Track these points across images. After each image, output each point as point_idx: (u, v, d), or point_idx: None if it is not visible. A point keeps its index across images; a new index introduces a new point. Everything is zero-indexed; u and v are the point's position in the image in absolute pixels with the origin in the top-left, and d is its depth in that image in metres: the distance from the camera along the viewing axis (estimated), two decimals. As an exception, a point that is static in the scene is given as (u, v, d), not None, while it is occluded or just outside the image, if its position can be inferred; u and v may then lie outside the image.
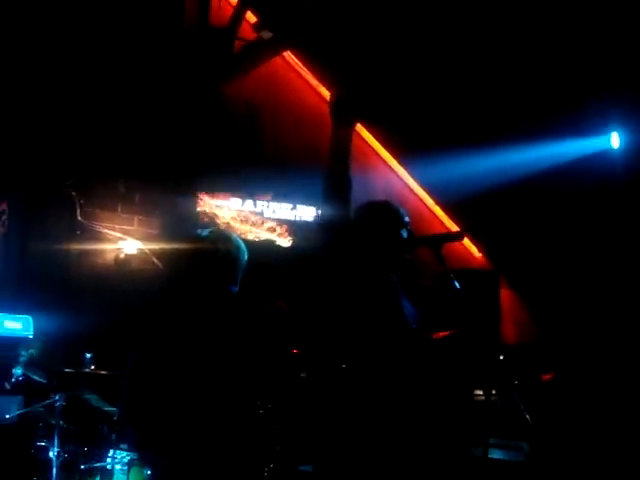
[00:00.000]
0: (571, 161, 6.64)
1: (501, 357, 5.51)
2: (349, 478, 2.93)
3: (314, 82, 7.81)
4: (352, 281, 3.10)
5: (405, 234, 3.15)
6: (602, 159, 6.65)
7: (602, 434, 4.78)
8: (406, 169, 8.27)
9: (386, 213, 3.21)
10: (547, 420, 4.63)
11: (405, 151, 8.05)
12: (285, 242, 7.26)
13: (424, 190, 8.34)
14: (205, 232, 3.25)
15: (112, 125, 6.32)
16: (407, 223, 3.20)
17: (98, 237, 6.25)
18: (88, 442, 4.41)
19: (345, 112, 3.14)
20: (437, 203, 8.36)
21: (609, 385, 5.57)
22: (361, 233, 3.16)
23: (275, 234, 7.24)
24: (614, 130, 6.71)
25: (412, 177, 8.29)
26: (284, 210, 7.32)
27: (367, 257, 3.13)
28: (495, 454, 4.10)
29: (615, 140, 6.74)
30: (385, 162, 8.26)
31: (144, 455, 3.38)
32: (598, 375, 5.74)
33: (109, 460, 4.21)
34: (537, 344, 7.26)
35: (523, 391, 4.54)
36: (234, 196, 7.04)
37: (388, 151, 8.21)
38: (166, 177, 6.53)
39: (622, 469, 4.47)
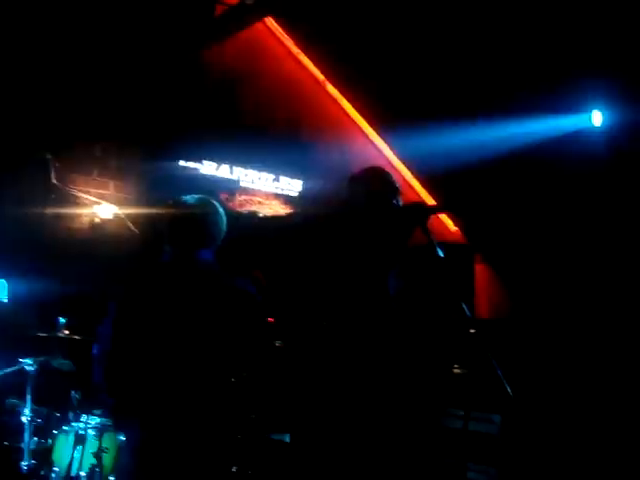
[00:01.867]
0: (552, 138, 6.65)
1: (472, 330, 5.54)
2: (326, 446, 2.95)
3: (295, 50, 7.73)
4: (343, 249, 3.10)
5: (398, 202, 3.15)
6: (583, 137, 6.67)
7: (572, 407, 4.85)
8: (384, 140, 8.24)
9: (380, 179, 3.20)
10: (519, 394, 4.68)
11: (384, 122, 8.02)
12: (266, 212, 7.23)
13: (402, 162, 8.32)
14: (185, 197, 3.22)
15: (89, 88, 6.19)
16: (398, 190, 3.19)
17: (73, 201, 6.15)
18: (60, 407, 4.37)
19: None
20: (415, 176, 8.36)
21: (579, 360, 5.64)
22: (355, 199, 3.16)
23: (253, 204, 7.20)
24: (595, 108, 6.74)
25: (390, 148, 8.27)
26: (264, 181, 7.26)
27: (359, 224, 3.12)
28: (472, 427, 4.13)
29: (596, 118, 6.76)
30: (363, 132, 8.22)
31: (120, 421, 3.36)
32: (568, 351, 5.81)
33: (82, 425, 4.17)
34: (511, 320, 7.33)
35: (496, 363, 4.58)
36: (208, 160, 6.98)
37: (367, 121, 8.17)
38: (143, 142, 6.45)
39: (590, 440, 4.54)
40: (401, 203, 3.15)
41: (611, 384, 5.28)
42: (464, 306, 2.83)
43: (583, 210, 6.68)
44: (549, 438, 4.51)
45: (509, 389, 2.69)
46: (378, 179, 3.21)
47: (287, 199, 7.37)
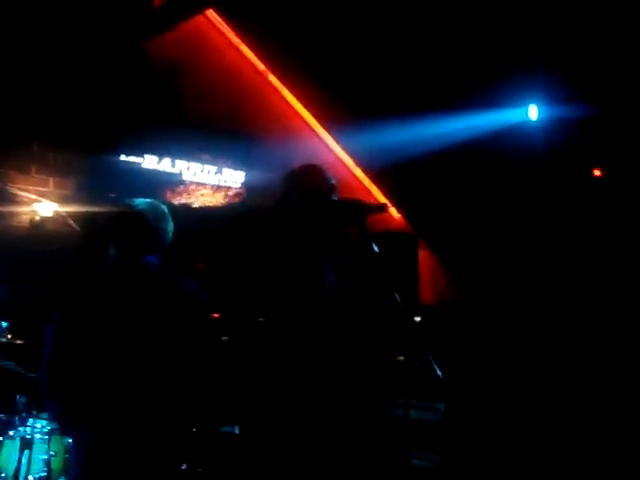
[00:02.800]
0: (492, 132, 6.79)
1: (418, 318, 5.65)
2: (274, 438, 2.99)
3: (236, 40, 7.70)
4: (278, 245, 3.12)
5: (334, 198, 3.17)
6: (520, 130, 6.83)
7: (514, 394, 4.98)
8: (327, 131, 8.27)
9: (315, 176, 3.23)
10: (462, 381, 4.79)
11: (326, 114, 8.05)
12: (206, 204, 7.20)
13: (345, 153, 8.37)
14: (136, 201, 3.21)
15: (26, 83, 6.08)
16: (334, 187, 3.22)
17: (12, 199, 6.05)
18: (6, 411, 4.32)
19: None
20: (361, 168, 8.42)
21: (522, 344, 5.78)
22: (290, 195, 3.18)
23: (195, 197, 7.16)
24: (532, 102, 6.90)
25: (332, 139, 8.31)
26: (206, 174, 7.23)
27: (293, 221, 3.15)
28: (412, 414, 4.21)
29: (533, 112, 6.93)
30: (306, 123, 8.24)
31: (65, 426, 3.35)
32: (511, 335, 5.95)
33: (28, 429, 4.14)
34: (454, 305, 7.47)
35: (439, 352, 4.67)
36: (149, 154, 6.90)
37: (310, 113, 8.19)
38: (83, 137, 6.35)
39: (532, 424, 4.67)
40: (337, 199, 3.18)
41: (553, 367, 5.44)
42: (397, 298, 2.87)
43: (520, 198, 6.85)
44: (492, 424, 4.63)
45: (440, 373, 2.77)
46: (313, 176, 3.23)
47: (230, 191, 7.36)
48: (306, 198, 3.14)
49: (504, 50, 6.22)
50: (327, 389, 3.05)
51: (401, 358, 4.26)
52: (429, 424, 4.39)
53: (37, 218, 6.09)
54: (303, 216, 3.14)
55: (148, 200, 3.21)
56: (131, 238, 3.12)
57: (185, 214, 6.90)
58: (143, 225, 3.14)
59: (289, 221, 3.17)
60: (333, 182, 3.22)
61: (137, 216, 3.13)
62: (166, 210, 3.23)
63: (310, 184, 3.18)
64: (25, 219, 6.11)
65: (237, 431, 4.23)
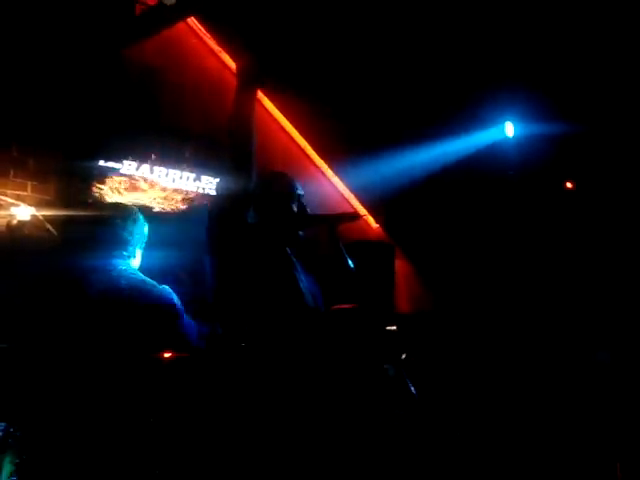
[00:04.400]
0: (472, 153, 6.90)
1: (394, 327, 5.69)
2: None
3: (217, 48, 7.74)
4: (247, 252, 3.14)
5: (295, 208, 3.20)
6: (498, 148, 6.95)
7: (491, 402, 5.03)
8: (310, 143, 8.34)
9: (280, 184, 3.26)
10: (433, 388, 4.83)
11: (304, 123, 8.10)
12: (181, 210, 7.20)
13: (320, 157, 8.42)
14: (105, 202, 3.24)
15: (5, 87, 6.08)
16: (300, 196, 3.25)
17: (-11, 202, 6.05)
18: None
19: (251, 78, 3.14)
20: (334, 173, 8.48)
21: (494, 352, 5.84)
22: (257, 202, 3.21)
23: (172, 202, 7.17)
24: (507, 119, 7.02)
25: (317, 152, 8.37)
26: (185, 180, 7.25)
27: (262, 228, 3.18)
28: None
29: (509, 129, 7.05)
30: (285, 131, 8.29)
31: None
32: (483, 342, 6.01)
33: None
34: (430, 313, 7.52)
35: (413, 361, 4.72)
36: (128, 160, 6.90)
37: (290, 121, 8.24)
38: (62, 142, 6.36)
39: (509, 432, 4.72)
40: (304, 208, 3.20)
41: (527, 374, 5.50)
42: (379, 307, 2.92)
43: (496, 211, 6.95)
44: (466, 431, 4.67)
45: (413, 390, 2.81)
46: (281, 181, 3.27)
47: (209, 198, 7.38)
48: (273, 204, 3.18)
49: (476, 68, 6.31)
50: (302, 392, 3.08)
51: (374, 367, 4.31)
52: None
53: (14, 222, 6.08)
54: (270, 220, 3.16)
55: (116, 202, 3.23)
56: (97, 239, 3.14)
57: (163, 220, 6.93)
58: (108, 226, 3.15)
59: (258, 230, 3.20)
60: (302, 192, 3.25)
61: (107, 220, 3.15)
62: (138, 213, 3.25)
63: (278, 191, 3.22)
64: (2, 223, 6.09)
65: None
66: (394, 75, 6.64)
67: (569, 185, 6.72)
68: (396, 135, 6.88)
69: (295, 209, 3.19)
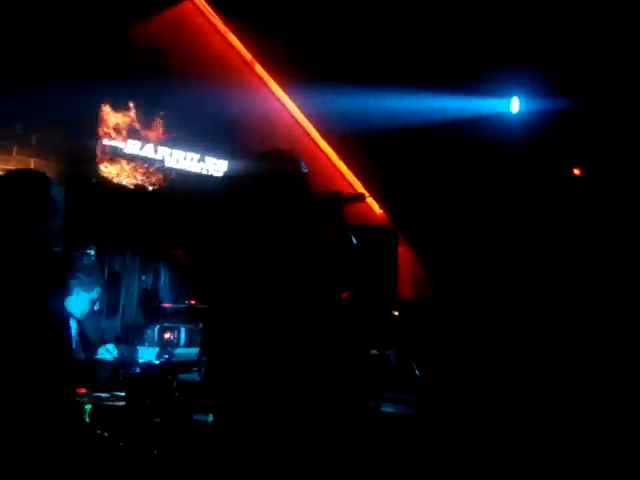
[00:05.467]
0: (470, 118, 6.79)
1: (396, 313, 5.67)
2: (248, 426, 2.99)
3: (222, 28, 7.67)
4: (251, 230, 3.10)
5: (305, 187, 3.14)
6: (500, 121, 6.86)
7: (489, 387, 5.00)
8: (309, 119, 8.29)
9: (290, 164, 3.20)
10: (436, 374, 4.81)
11: (310, 99, 8.02)
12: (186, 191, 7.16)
13: (331, 147, 8.38)
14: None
15: (9, 65, 6.03)
16: (306, 174, 3.19)
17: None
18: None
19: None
20: (340, 158, 8.42)
21: (497, 341, 5.82)
22: (262, 182, 3.15)
23: (178, 184, 7.13)
24: (515, 95, 6.94)
25: (318, 131, 8.32)
26: (189, 161, 7.20)
27: (266, 207, 3.12)
28: (387, 408, 4.23)
29: (515, 105, 6.97)
30: (289, 112, 8.25)
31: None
32: (486, 330, 5.99)
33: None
34: (433, 300, 7.49)
35: (417, 346, 4.70)
36: (132, 139, 6.85)
37: (292, 101, 8.20)
38: (66, 119, 6.31)
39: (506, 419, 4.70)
40: (308, 187, 3.14)
41: (530, 362, 5.48)
42: (381, 290, 2.89)
43: (499, 192, 6.89)
44: (467, 419, 4.65)
45: (417, 372, 2.78)
46: (286, 161, 3.21)
47: (209, 179, 7.34)
48: (278, 183, 3.12)
49: (494, 40, 6.22)
50: (300, 379, 3.06)
51: (374, 352, 4.28)
52: (403, 416, 4.41)
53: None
54: (274, 201, 3.11)
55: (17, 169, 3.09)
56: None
57: (165, 201, 6.90)
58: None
59: (260, 206, 3.13)
60: (305, 170, 3.19)
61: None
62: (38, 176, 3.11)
63: (283, 169, 3.16)
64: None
65: (210, 419, 4.24)
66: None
67: (576, 172, 6.66)
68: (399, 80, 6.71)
69: (305, 188, 3.13)
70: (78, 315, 4.99)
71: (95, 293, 5.09)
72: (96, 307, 5.37)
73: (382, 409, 3.72)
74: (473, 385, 5.08)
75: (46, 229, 2.99)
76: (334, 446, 3.26)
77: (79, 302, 5.00)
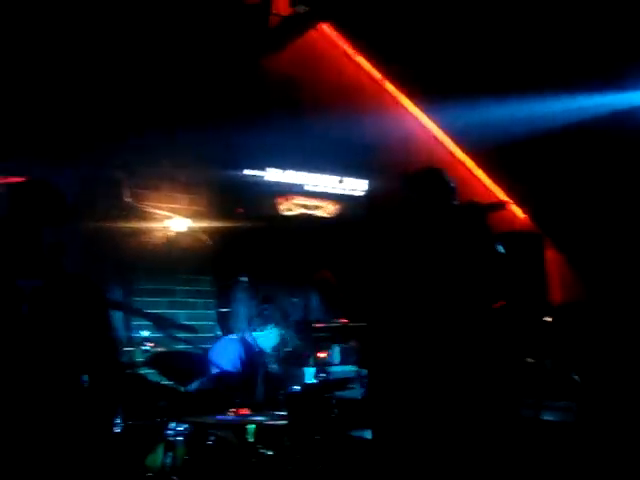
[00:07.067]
0: (612, 114, 6.52)
1: (549, 319, 5.54)
2: (406, 441, 3.03)
3: (350, 51, 7.82)
4: (403, 249, 3.17)
5: (455, 201, 3.19)
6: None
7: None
8: (447, 134, 8.28)
9: (436, 182, 3.25)
10: (596, 379, 4.66)
11: (443, 113, 8.01)
12: (327, 214, 7.33)
13: (468, 156, 8.33)
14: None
15: (157, 109, 6.39)
16: (454, 190, 3.24)
17: (146, 216, 6.38)
18: (151, 416, 4.53)
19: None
20: (477, 165, 8.36)
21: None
22: (411, 201, 3.21)
23: (318, 207, 7.31)
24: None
25: (454, 141, 8.30)
26: (328, 183, 7.37)
27: (417, 224, 3.18)
28: (546, 415, 4.15)
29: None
30: (425, 128, 8.27)
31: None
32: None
33: (171, 432, 4.35)
34: (584, 303, 7.26)
35: (574, 351, 4.58)
36: (272, 167, 7.11)
37: (427, 117, 8.21)
38: (210, 154, 6.62)
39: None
40: (457, 202, 3.19)
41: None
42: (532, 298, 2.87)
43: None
44: (628, 426, 4.48)
45: (576, 376, 2.73)
46: (433, 179, 3.26)
47: (353, 200, 7.47)
48: (426, 201, 3.18)
49: (631, 32, 5.97)
50: (458, 391, 3.06)
51: (530, 360, 4.22)
52: (563, 425, 4.31)
53: (170, 234, 6.42)
54: (423, 219, 3.17)
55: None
56: None
57: (308, 224, 7.09)
58: None
59: (409, 226, 3.21)
60: (453, 185, 3.24)
61: None
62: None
63: (430, 187, 3.22)
64: (159, 235, 6.43)
65: (368, 435, 4.30)
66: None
67: None
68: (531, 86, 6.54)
69: (455, 202, 3.18)
70: (268, 349, 5.39)
71: (283, 329, 5.50)
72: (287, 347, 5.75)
73: (541, 417, 3.66)
74: (636, 391, 4.89)
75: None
76: (496, 459, 3.23)
77: (271, 338, 5.40)
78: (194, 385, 4.81)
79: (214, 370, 5.09)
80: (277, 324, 5.45)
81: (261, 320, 5.45)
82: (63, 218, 2.58)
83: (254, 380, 4.99)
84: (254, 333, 5.46)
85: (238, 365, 5.25)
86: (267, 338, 5.38)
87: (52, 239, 2.54)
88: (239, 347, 5.36)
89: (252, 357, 5.29)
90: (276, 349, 5.46)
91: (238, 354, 5.29)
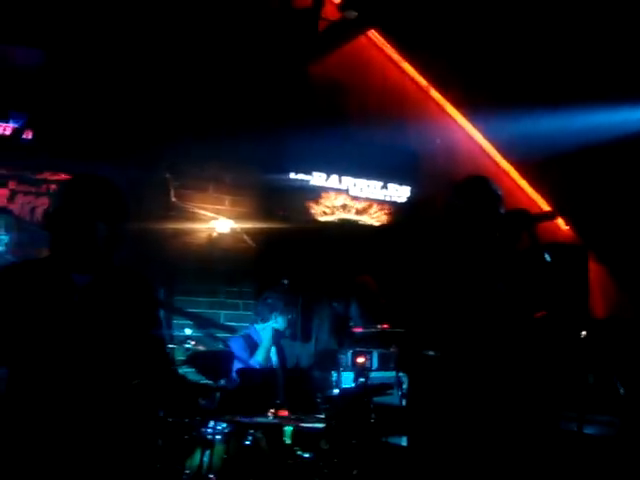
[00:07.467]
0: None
1: (584, 333, 5.47)
2: (443, 450, 3.02)
3: (397, 57, 7.83)
4: (447, 257, 3.17)
5: (502, 211, 3.18)
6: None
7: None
8: (490, 142, 8.23)
9: (483, 190, 3.25)
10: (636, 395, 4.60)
11: (489, 122, 7.97)
12: (373, 221, 7.35)
13: (511, 164, 8.28)
14: None
15: (205, 111, 6.48)
16: (500, 198, 3.23)
17: (191, 217, 6.47)
18: (190, 415, 4.56)
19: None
20: (521, 176, 8.30)
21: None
22: (459, 211, 3.21)
23: (362, 212, 7.32)
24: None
25: (498, 150, 8.25)
26: (372, 189, 7.38)
27: (463, 235, 3.18)
28: (588, 429, 4.10)
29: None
30: (469, 136, 8.23)
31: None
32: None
33: (209, 431, 4.38)
34: (626, 318, 7.17)
35: (617, 365, 4.52)
36: (318, 171, 7.15)
37: (472, 125, 8.18)
38: (256, 157, 6.69)
39: None
40: (504, 211, 3.18)
41: None
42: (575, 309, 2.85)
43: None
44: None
45: (622, 390, 2.70)
46: (480, 187, 3.25)
47: (393, 206, 7.47)
48: (473, 210, 3.17)
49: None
50: (498, 401, 3.05)
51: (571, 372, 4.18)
52: (605, 439, 4.25)
53: (215, 235, 6.49)
54: (470, 227, 3.16)
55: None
56: None
57: (351, 229, 7.10)
58: None
59: (456, 233, 3.21)
60: (499, 193, 3.23)
61: None
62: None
63: (477, 196, 3.21)
64: (203, 235, 6.51)
65: (404, 442, 4.29)
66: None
67: None
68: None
69: (502, 211, 3.17)
70: (282, 328, 5.63)
71: (289, 315, 5.72)
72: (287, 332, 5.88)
73: (583, 431, 3.62)
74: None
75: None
76: (537, 472, 3.21)
77: (279, 322, 5.60)
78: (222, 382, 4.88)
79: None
80: (282, 312, 5.58)
81: (266, 309, 5.57)
82: (120, 214, 2.63)
83: (274, 379, 5.06)
84: (256, 326, 5.60)
85: (247, 360, 5.38)
86: (267, 331, 5.55)
87: (106, 234, 2.58)
88: (242, 343, 5.49)
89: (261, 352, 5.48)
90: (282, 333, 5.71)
91: (242, 350, 5.44)
